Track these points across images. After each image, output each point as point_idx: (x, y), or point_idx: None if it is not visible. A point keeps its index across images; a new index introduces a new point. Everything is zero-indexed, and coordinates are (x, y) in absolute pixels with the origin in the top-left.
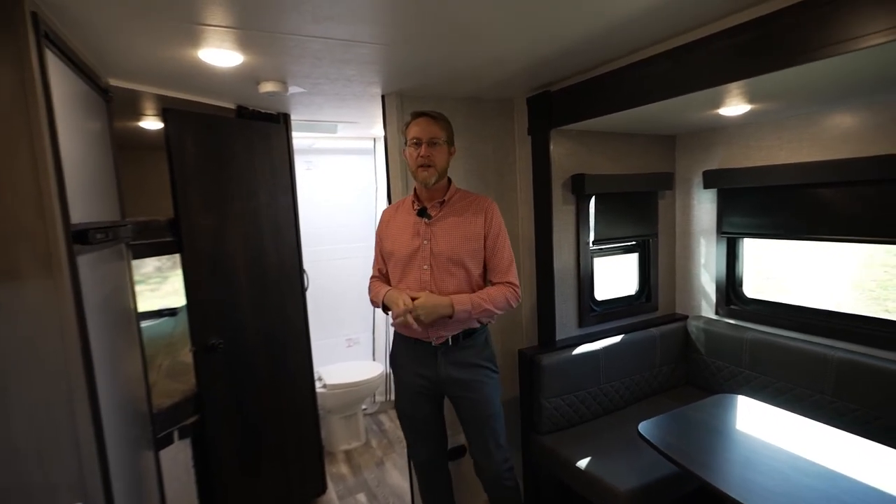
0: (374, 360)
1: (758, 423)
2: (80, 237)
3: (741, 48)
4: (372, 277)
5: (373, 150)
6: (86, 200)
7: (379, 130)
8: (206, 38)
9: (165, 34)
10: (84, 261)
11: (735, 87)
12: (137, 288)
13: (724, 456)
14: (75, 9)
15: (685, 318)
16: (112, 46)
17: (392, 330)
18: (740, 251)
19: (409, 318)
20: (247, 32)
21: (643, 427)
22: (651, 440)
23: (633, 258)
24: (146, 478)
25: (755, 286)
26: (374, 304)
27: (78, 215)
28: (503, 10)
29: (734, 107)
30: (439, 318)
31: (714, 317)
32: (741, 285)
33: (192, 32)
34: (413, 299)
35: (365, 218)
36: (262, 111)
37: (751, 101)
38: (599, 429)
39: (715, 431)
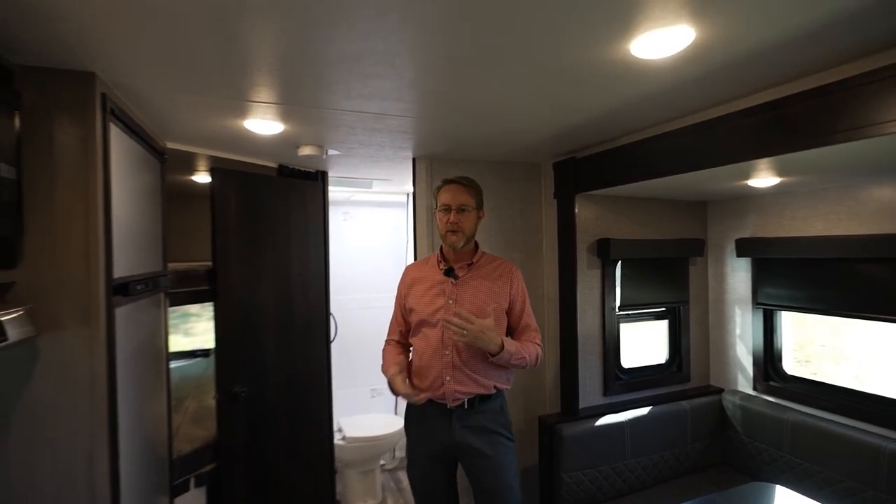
0: (395, 413)
1: None
2: (121, 289)
3: (758, 128)
4: (387, 342)
5: (406, 203)
6: (131, 254)
7: (411, 186)
8: (251, 111)
9: (217, 108)
10: (122, 311)
11: (760, 163)
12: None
13: None
14: (142, 89)
15: (720, 391)
16: (170, 117)
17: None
18: (778, 324)
19: (454, 322)
20: (287, 107)
21: None
22: None
23: (663, 325)
24: None
25: (843, 371)
26: (384, 373)
27: (122, 269)
28: (519, 90)
29: (763, 179)
30: (481, 345)
31: (752, 392)
32: (780, 360)
33: (239, 107)
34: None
35: (396, 269)
36: (302, 169)
37: (780, 174)
38: None
39: None
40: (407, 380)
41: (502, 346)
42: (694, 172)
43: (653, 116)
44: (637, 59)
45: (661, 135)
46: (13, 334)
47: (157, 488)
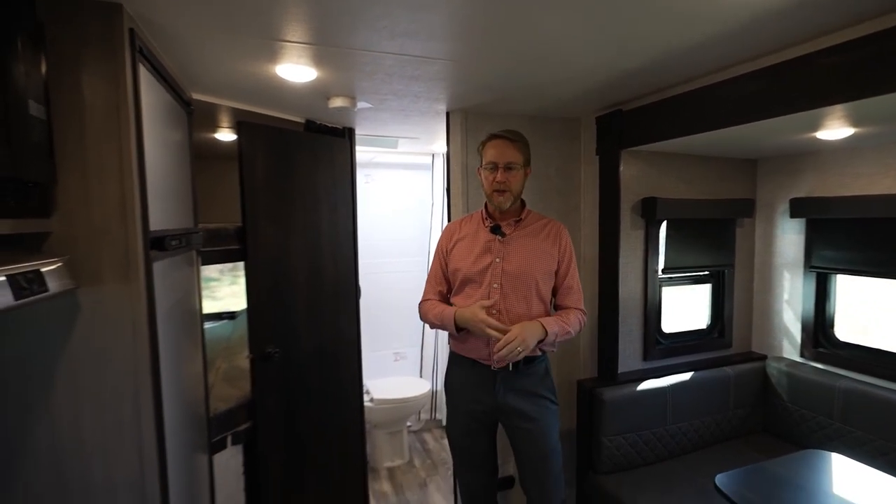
0: (420, 376)
1: (859, 487)
2: (157, 244)
3: (854, 66)
4: (424, 301)
5: (431, 165)
6: (164, 208)
7: (438, 147)
8: (284, 53)
9: (248, 50)
10: (158, 267)
11: (840, 109)
12: (205, 287)
13: None
14: (170, 26)
15: (763, 357)
16: (198, 62)
17: (443, 348)
18: (832, 288)
19: (507, 351)
20: (323, 48)
21: (721, 480)
22: (731, 496)
23: (705, 289)
24: (200, 481)
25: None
26: (436, 325)
27: (156, 222)
28: (582, 24)
29: (835, 130)
30: (531, 343)
31: (798, 359)
32: (832, 326)
33: (272, 48)
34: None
35: (419, 233)
36: (329, 125)
37: (856, 124)
38: (664, 474)
39: (805, 493)
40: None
41: (546, 332)
42: (758, 124)
43: (721, 59)
44: None
45: (728, 80)
46: (53, 286)
47: (198, 445)
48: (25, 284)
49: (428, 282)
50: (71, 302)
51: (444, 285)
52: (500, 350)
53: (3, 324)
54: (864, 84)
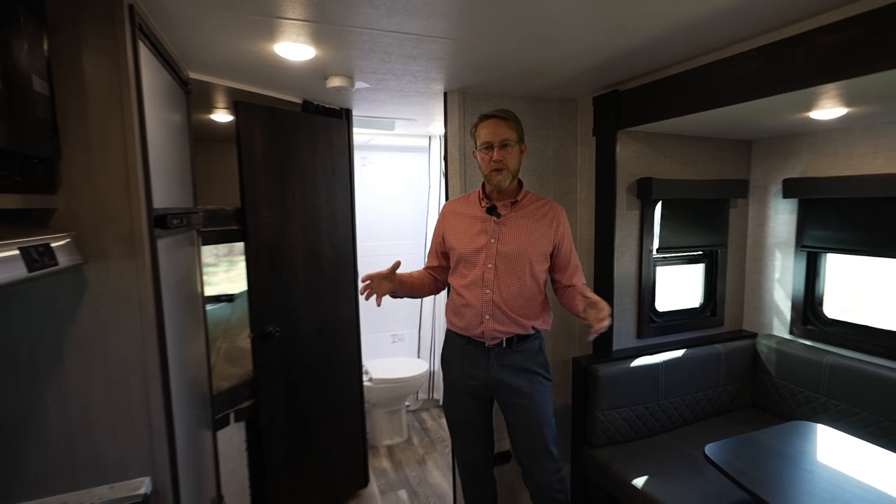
0: (418, 357)
1: (843, 456)
2: (160, 221)
3: (848, 44)
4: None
5: (427, 148)
6: (165, 187)
7: (435, 128)
8: (283, 31)
9: (246, 27)
10: (161, 245)
11: (834, 88)
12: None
13: (804, 488)
14: (168, 1)
15: (753, 335)
16: (195, 39)
17: (440, 330)
18: (822, 267)
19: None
20: (322, 26)
21: (710, 449)
22: (720, 464)
23: (699, 269)
24: (205, 456)
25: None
26: None
27: (158, 201)
28: (582, 1)
29: (828, 110)
30: None
31: (788, 336)
32: (821, 304)
33: (270, 26)
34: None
35: (415, 216)
36: (326, 106)
37: (849, 103)
38: (656, 447)
39: (791, 461)
40: (388, 277)
41: None
42: (754, 104)
43: (720, 38)
44: None
45: (726, 59)
46: (63, 260)
47: (202, 421)
48: (37, 257)
49: (428, 255)
50: (78, 278)
51: (436, 261)
52: (600, 327)
53: (12, 299)
54: (860, 62)
